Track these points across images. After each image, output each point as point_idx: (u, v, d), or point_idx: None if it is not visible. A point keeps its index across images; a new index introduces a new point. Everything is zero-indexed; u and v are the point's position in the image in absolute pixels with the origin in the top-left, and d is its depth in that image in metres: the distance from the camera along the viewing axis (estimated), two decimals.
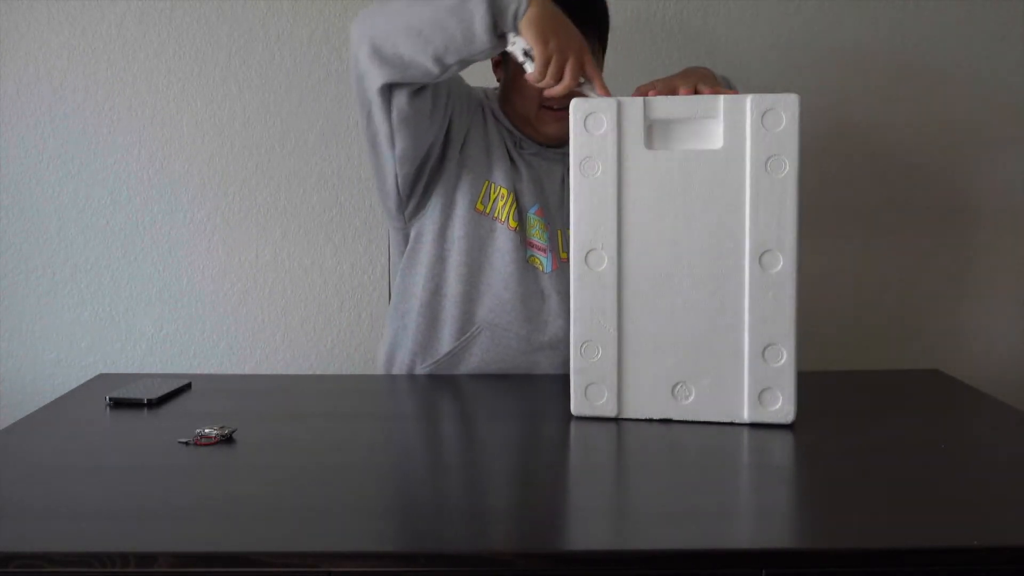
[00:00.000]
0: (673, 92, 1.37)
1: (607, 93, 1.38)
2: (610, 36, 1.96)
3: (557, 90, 1.39)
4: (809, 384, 1.36)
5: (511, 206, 1.59)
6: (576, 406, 1.34)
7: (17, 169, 1.98)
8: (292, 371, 2.02)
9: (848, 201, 2.02)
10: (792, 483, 1.16)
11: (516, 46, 1.38)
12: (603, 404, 1.33)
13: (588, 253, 1.32)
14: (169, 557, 0.92)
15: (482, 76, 1.65)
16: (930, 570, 0.93)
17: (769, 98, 1.27)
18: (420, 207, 1.61)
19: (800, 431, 1.28)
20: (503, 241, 1.59)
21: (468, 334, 1.60)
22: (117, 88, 1.96)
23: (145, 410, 1.41)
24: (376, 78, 1.46)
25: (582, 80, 1.39)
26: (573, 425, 1.33)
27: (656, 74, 1.97)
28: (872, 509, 1.03)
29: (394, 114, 1.50)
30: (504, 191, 1.60)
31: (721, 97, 1.28)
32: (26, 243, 1.99)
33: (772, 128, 1.26)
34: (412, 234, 1.63)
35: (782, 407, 1.29)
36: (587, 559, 0.94)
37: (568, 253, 1.60)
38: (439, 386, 1.59)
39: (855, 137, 2.01)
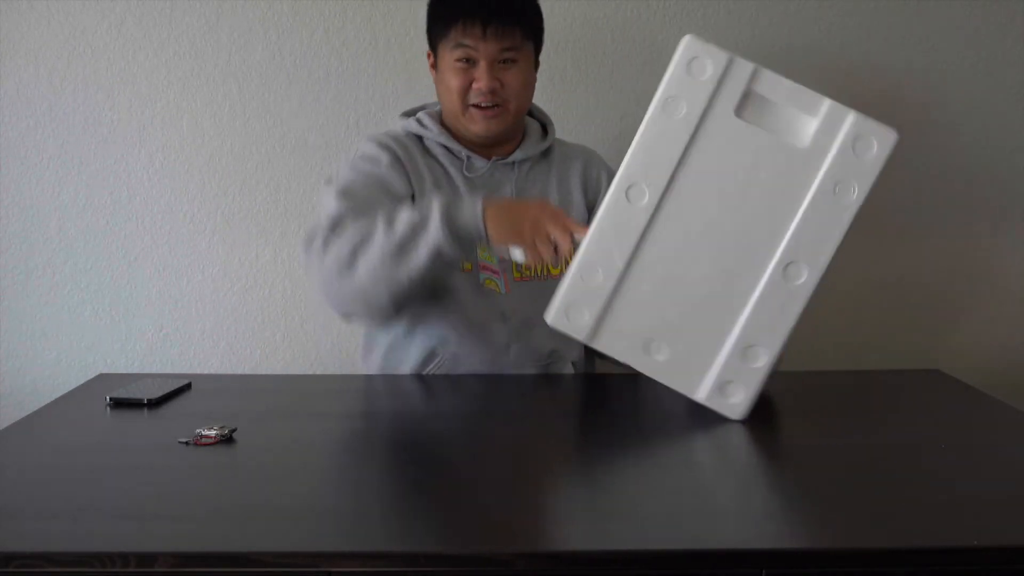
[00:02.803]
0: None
1: (586, 229, 1.33)
2: (611, 35, 1.96)
3: (563, 255, 1.37)
4: (810, 384, 1.36)
5: None
6: (553, 317, 1.33)
7: (17, 169, 1.97)
8: (292, 371, 2.02)
9: None
10: (792, 483, 1.16)
11: (515, 252, 1.40)
12: (579, 325, 1.32)
13: (631, 187, 1.29)
14: (169, 557, 0.93)
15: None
16: (930, 570, 0.94)
17: (870, 124, 1.26)
18: None
19: (800, 431, 1.28)
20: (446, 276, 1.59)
21: (431, 366, 1.62)
22: (117, 88, 1.96)
23: (145, 410, 1.41)
24: (365, 321, 1.57)
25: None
26: (573, 425, 1.33)
27: (656, 74, 1.97)
28: (872, 509, 1.03)
29: None
30: None
31: (828, 101, 1.27)
32: (26, 243, 1.99)
33: (859, 153, 1.26)
34: None
35: (739, 402, 1.30)
36: (587, 559, 0.94)
37: (521, 273, 1.60)
38: (438, 386, 1.59)
39: None
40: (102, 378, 1.65)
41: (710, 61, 1.26)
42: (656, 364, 1.31)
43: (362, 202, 1.50)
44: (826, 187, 1.26)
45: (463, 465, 1.25)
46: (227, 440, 1.25)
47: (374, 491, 1.13)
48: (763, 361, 1.30)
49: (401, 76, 1.96)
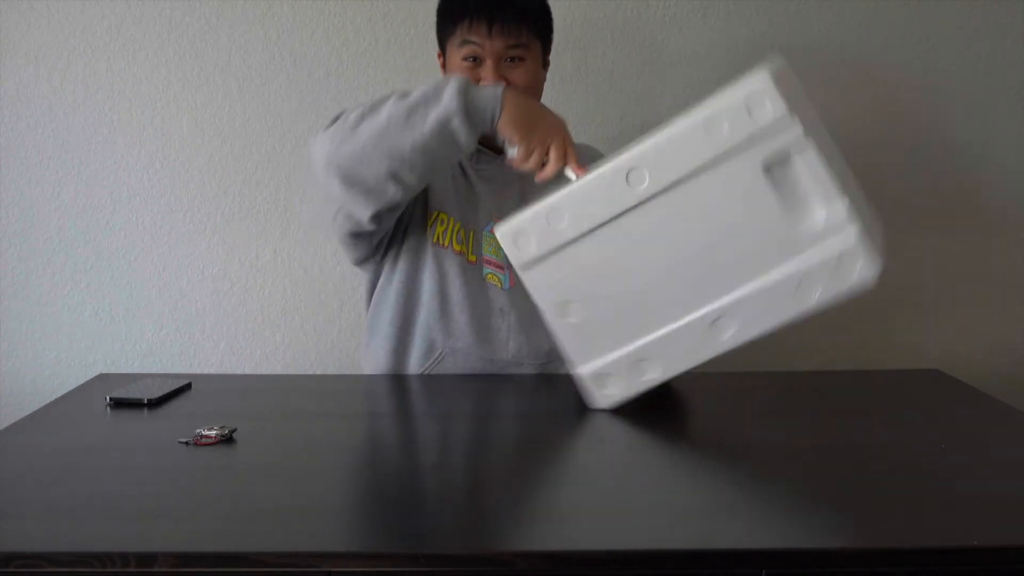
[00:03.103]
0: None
1: (582, 172, 1.35)
2: (611, 35, 1.96)
3: (545, 173, 1.39)
4: (809, 383, 1.36)
5: (454, 230, 1.61)
6: (503, 231, 1.34)
7: (17, 169, 1.97)
8: (292, 371, 2.02)
9: None
10: (792, 483, 1.15)
11: (512, 150, 1.41)
12: (521, 252, 1.33)
13: (634, 170, 1.27)
14: (169, 557, 0.93)
15: None
16: (930, 570, 0.93)
17: (865, 248, 1.24)
18: (387, 251, 1.64)
19: (800, 431, 1.28)
20: (451, 266, 1.61)
21: (431, 360, 1.62)
22: (117, 88, 1.96)
23: (145, 410, 1.41)
24: (363, 209, 1.48)
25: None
26: (572, 424, 1.33)
27: (656, 74, 1.98)
28: (872, 509, 1.03)
29: (380, 225, 1.53)
30: (444, 216, 1.61)
31: (846, 205, 1.23)
32: (26, 243, 1.99)
33: (841, 266, 1.24)
34: (382, 275, 1.66)
35: (609, 396, 1.34)
36: (587, 559, 0.94)
37: None
38: (438, 385, 1.59)
39: (855, 138, 2.00)
40: (102, 378, 1.65)
41: (771, 107, 1.23)
42: (561, 323, 1.34)
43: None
44: (793, 278, 1.25)
45: (463, 465, 1.25)
46: (227, 440, 1.25)
47: (374, 491, 1.13)
48: (650, 378, 1.33)
49: (401, 76, 1.96)
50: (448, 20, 1.60)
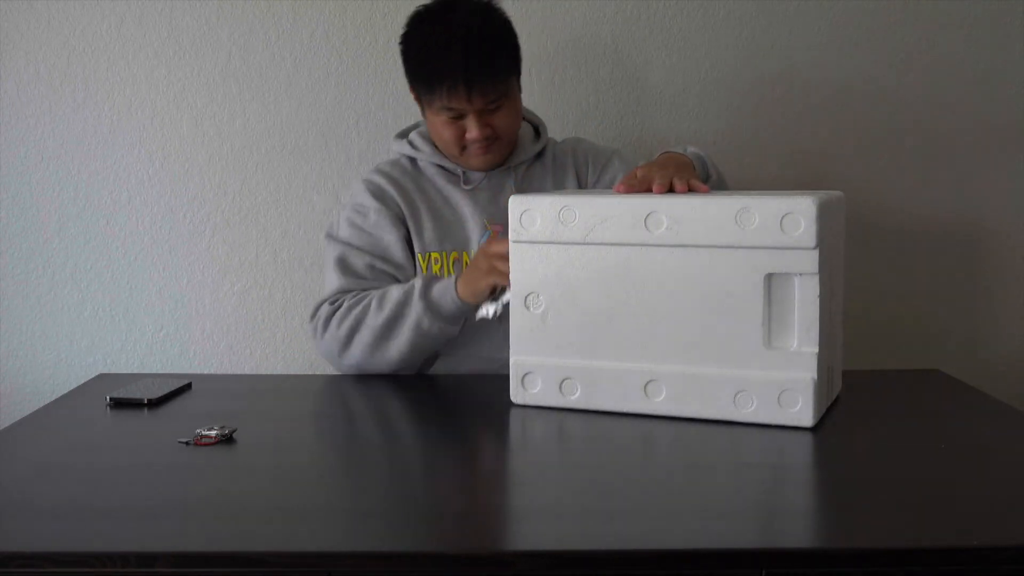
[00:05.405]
0: (647, 186, 1.37)
1: (503, 300, 1.45)
2: (611, 35, 1.96)
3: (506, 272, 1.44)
4: None
5: (447, 260, 1.63)
6: (514, 202, 1.37)
7: (17, 169, 1.97)
8: (292, 371, 2.02)
9: (848, 203, 2.02)
10: (792, 483, 1.16)
11: (481, 310, 1.49)
12: (522, 227, 1.36)
13: (654, 215, 1.30)
14: (169, 557, 0.93)
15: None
16: (931, 570, 0.93)
17: (806, 398, 1.26)
18: None
19: (799, 431, 1.28)
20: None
21: (436, 360, 1.64)
22: (117, 88, 1.96)
23: (145, 410, 1.41)
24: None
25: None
26: (573, 424, 1.33)
27: (655, 74, 1.98)
28: (872, 509, 1.03)
29: None
30: (436, 255, 1.63)
31: (815, 354, 1.27)
32: (26, 243, 1.99)
33: (779, 400, 1.27)
34: None
35: (524, 395, 1.39)
36: (587, 559, 0.94)
37: None
38: (439, 385, 1.59)
39: (855, 140, 2.01)
40: (102, 378, 1.65)
41: (803, 233, 1.25)
42: (520, 309, 1.38)
43: (357, 276, 1.61)
44: (735, 384, 1.29)
45: (463, 465, 1.25)
46: (227, 440, 1.25)
47: (374, 491, 1.13)
48: (571, 399, 1.36)
49: (401, 76, 1.95)
50: (422, 83, 1.58)
